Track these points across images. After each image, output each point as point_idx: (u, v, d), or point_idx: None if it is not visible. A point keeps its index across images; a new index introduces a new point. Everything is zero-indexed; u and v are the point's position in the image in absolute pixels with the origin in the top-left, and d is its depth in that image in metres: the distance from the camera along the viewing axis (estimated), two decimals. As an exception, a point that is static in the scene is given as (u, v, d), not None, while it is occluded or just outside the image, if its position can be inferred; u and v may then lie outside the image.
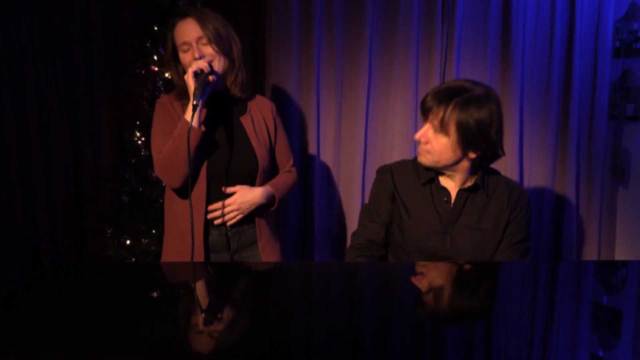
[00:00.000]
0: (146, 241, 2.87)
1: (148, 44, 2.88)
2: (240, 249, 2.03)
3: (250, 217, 2.01)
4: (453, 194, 1.80)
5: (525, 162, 3.04)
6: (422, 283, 1.44)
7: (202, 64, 1.82)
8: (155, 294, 1.32)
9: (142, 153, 2.87)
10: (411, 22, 2.92)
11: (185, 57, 1.88)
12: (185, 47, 1.86)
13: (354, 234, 1.94)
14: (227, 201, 1.92)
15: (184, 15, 1.87)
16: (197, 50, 1.85)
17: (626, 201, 2.96)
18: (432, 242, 1.78)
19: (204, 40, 1.86)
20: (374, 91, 3.02)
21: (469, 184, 1.80)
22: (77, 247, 3.60)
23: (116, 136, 3.42)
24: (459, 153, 1.72)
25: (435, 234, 1.78)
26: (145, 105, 2.88)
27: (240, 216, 1.95)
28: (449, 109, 1.66)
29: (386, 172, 1.89)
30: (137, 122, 2.92)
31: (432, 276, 1.50)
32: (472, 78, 2.95)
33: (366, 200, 2.11)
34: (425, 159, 1.77)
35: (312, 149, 3.04)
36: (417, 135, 1.75)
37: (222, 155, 1.94)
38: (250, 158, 1.96)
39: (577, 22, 2.88)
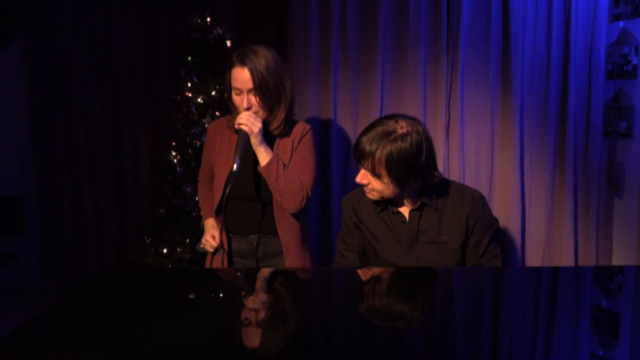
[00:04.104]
0: (181, 249, 2.89)
1: (183, 73, 2.93)
2: (266, 258, 2.01)
3: (274, 229, 1.96)
4: (407, 216, 1.76)
5: (525, 176, 3.01)
6: (435, 287, 1.43)
7: (245, 125, 1.82)
8: (190, 296, 1.33)
9: (178, 170, 2.90)
10: (419, 49, 2.92)
11: (236, 99, 1.89)
12: (237, 92, 1.87)
13: (335, 262, 1.90)
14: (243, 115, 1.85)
15: (241, 62, 1.83)
16: (247, 101, 1.85)
17: (621, 211, 2.91)
18: (401, 262, 1.74)
19: (253, 93, 1.84)
20: (386, 112, 3.02)
21: (417, 204, 1.75)
22: (119, 255, 3.64)
23: (154, 155, 3.47)
24: (397, 189, 1.68)
25: (402, 255, 1.75)
26: (180, 128, 2.91)
27: (244, 127, 1.83)
28: (376, 156, 1.62)
29: (347, 204, 1.86)
30: (173, 143, 2.96)
31: (438, 280, 1.49)
32: (475, 99, 2.98)
33: None
34: (371, 196, 1.74)
35: (329, 165, 3.04)
36: (357, 179, 1.72)
37: (244, 183, 1.94)
38: (265, 187, 1.92)
39: (572, 48, 2.86)
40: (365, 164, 1.67)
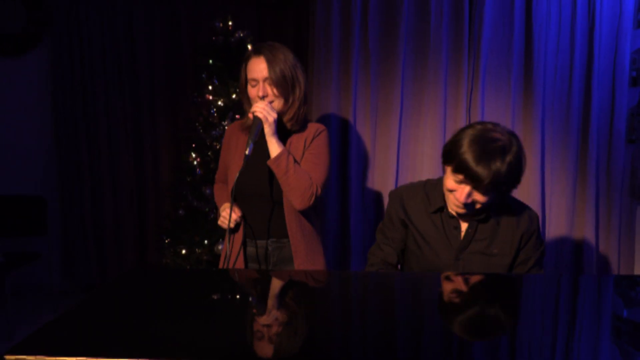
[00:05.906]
0: (199, 251, 2.93)
1: (204, 76, 2.97)
2: (279, 263, 1.98)
3: (285, 231, 1.94)
4: (462, 222, 1.72)
5: (546, 183, 2.99)
6: (449, 293, 1.43)
7: (260, 113, 1.82)
8: (208, 296, 1.35)
9: (197, 172, 2.94)
10: (440, 55, 2.93)
11: (252, 91, 1.89)
12: (253, 83, 1.87)
13: (370, 252, 1.87)
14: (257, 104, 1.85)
15: (258, 52, 1.86)
16: (262, 89, 1.85)
17: (644, 220, 2.87)
18: (445, 268, 1.71)
19: (269, 81, 1.85)
20: (406, 117, 3.03)
21: (482, 215, 1.69)
22: (138, 256, 3.69)
23: (174, 157, 3.52)
24: (494, 201, 1.64)
25: (447, 260, 1.72)
26: (200, 130, 2.95)
27: (259, 114, 1.82)
28: (494, 176, 1.52)
29: (396, 199, 1.80)
30: (193, 145, 3.00)
31: (458, 287, 1.49)
32: (496, 104, 2.97)
33: None
34: (463, 212, 1.64)
35: (348, 170, 3.06)
36: (462, 200, 1.59)
37: (253, 180, 1.93)
38: (277, 184, 1.90)
39: (596, 55, 2.84)
40: (483, 185, 1.55)
